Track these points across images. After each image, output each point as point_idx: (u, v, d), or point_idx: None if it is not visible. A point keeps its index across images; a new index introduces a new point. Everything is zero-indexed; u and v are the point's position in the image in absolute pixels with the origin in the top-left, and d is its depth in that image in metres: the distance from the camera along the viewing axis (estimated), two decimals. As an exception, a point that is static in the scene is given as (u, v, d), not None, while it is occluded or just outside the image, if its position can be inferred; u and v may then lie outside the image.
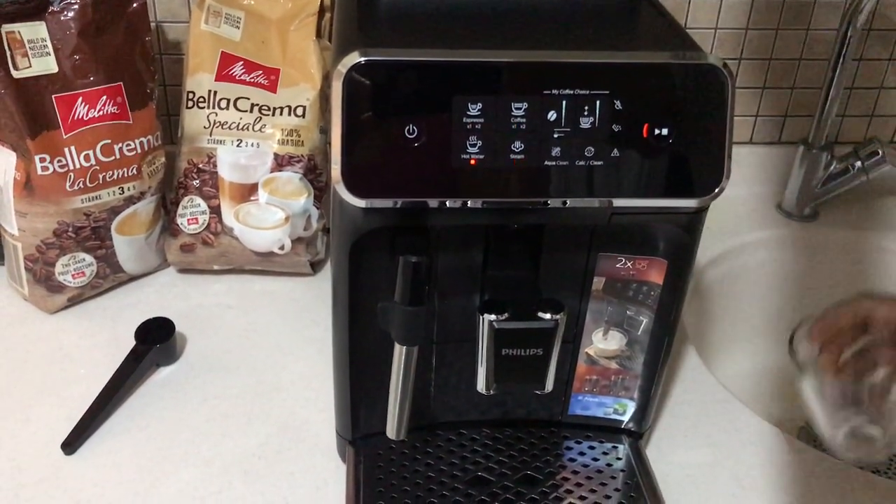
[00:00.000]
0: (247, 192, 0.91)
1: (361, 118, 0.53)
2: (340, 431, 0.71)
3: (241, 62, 0.90)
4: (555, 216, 0.58)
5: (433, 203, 0.55)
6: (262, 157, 0.90)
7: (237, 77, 0.90)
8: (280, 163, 0.90)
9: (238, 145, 0.90)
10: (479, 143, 0.54)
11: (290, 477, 0.71)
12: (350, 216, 0.57)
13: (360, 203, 0.55)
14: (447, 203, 0.55)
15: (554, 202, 0.56)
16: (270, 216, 0.91)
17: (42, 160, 0.82)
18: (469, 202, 0.55)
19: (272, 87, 0.90)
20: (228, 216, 0.91)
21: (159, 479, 0.71)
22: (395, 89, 0.53)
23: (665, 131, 0.55)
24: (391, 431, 0.64)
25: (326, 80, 0.90)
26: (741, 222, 1.09)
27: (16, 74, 0.79)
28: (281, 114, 0.90)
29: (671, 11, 0.65)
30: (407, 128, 0.53)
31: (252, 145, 0.90)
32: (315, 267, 0.97)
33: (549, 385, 0.64)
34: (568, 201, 0.56)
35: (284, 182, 0.91)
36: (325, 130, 0.92)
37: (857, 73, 1.11)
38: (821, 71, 1.08)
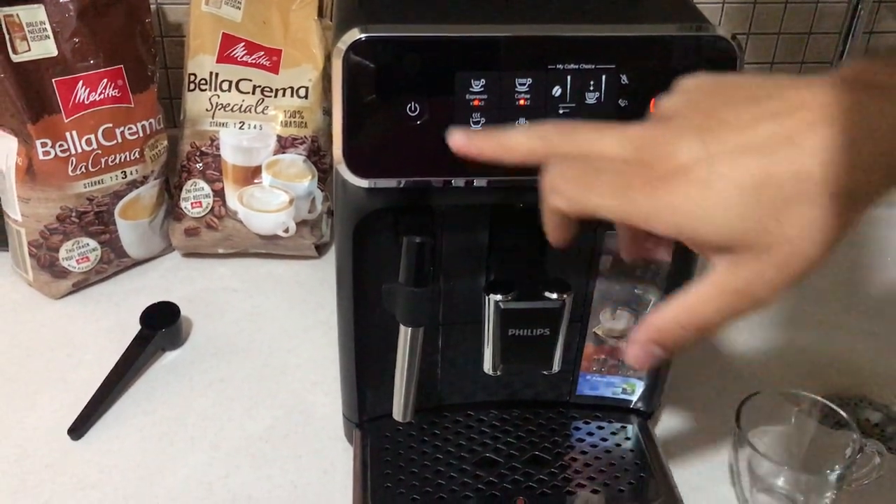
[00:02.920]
0: (250, 174, 0.90)
1: (362, 96, 0.52)
2: (347, 414, 0.71)
3: (243, 43, 0.89)
4: (561, 194, 0.57)
5: (437, 182, 0.55)
6: (265, 140, 0.89)
7: (239, 58, 0.89)
8: (283, 145, 0.89)
9: (241, 128, 0.89)
10: (483, 120, 0.53)
11: (297, 460, 0.71)
12: (353, 197, 0.56)
13: (363, 183, 0.54)
14: (451, 182, 0.55)
15: (560, 180, 0.55)
16: (274, 199, 0.90)
17: (43, 145, 0.81)
18: (474, 181, 0.55)
19: (274, 69, 0.89)
20: (232, 199, 0.91)
21: (166, 463, 0.71)
22: (397, 66, 0.52)
23: (672, 106, 0.54)
24: (398, 413, 0.63)
25: (329, 60, 0.89)
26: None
27: (15, 58, 0.79)
28: (283, 95, 0.89)
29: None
30: (409, 105, 0.52)
31: (255, 127, 0.89)
32: (320, 250, 0.96)
33: (557, 365, 0.63)
34: (574, 179, 0.55)
35: (288, 164, 0.90)
36: (328, 111, 0.91)
37: (868, 47, 1.10)
38: (831, 45, 1.07)
